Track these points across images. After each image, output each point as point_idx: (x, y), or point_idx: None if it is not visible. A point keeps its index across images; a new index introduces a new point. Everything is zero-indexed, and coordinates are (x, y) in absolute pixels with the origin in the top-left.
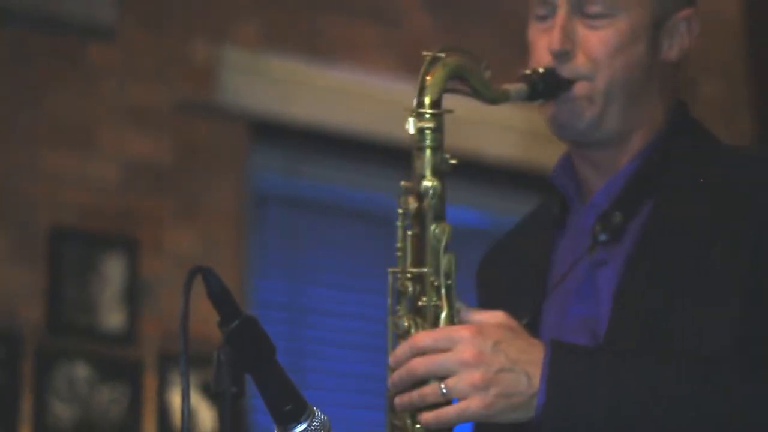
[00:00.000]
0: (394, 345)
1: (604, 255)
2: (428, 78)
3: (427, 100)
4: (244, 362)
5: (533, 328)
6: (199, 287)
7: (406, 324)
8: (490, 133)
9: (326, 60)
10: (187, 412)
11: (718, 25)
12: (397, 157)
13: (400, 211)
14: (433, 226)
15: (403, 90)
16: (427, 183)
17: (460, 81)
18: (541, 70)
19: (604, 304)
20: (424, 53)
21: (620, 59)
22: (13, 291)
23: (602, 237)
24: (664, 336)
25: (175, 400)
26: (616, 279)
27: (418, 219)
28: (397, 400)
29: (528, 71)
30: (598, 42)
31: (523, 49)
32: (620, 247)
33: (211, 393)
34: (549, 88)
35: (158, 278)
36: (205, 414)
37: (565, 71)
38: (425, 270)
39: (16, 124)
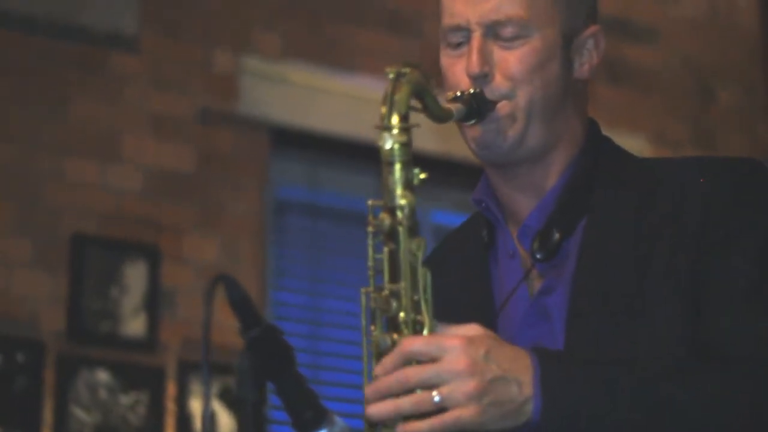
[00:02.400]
0: (370, 364)
1: (549, 282)
2: (395, 93)
3: (395, 115)
4: (265, 370)
5: None
6: (219, 296)
7: (389, 341)
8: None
9: (347, 69)
10: (208, 419)
11: (735, 34)
12: (418, 165)
13: (369, 229)
14: (408, 241)
15: None
16: (399, 199)
17: (416, 98)
18: (470, 91)
19: (557, 326)
20: (387, 69)
21: (538, 76)
22: (35, 298)
23: (538, 255)
24: (622, 355)
25: (195, 407)
26: (567, 304)
27: (392, 235)
28: (381, 406)
29: (458, 92)
30: (515, 61)
31: None
32: (563, 270)
33: (233, 400)
34: (481, 108)
35: (179, 286)
36: (225, 421)
37: (487, 93)
38: (402, 286)
39: (41, 132)
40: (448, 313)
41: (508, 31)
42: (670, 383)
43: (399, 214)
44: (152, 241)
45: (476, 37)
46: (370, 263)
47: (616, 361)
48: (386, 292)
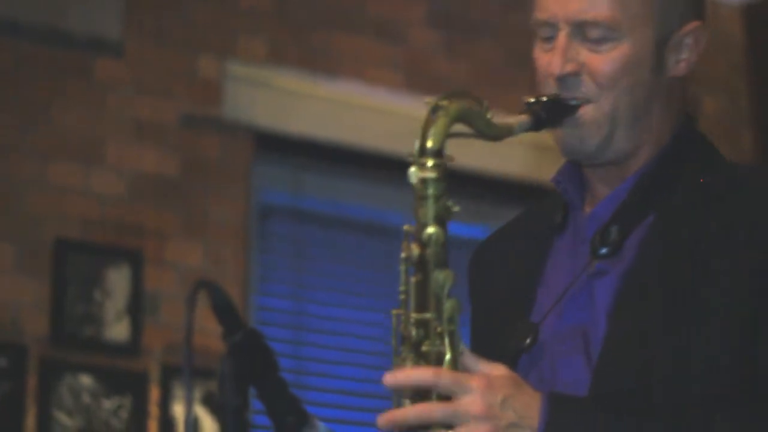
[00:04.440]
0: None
1: (604, 265)
2: (431, 126)
3: (429, 149)
4: (248, 375)
5: (533, 343)
6: (202, 301)
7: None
8: (497, 148)
9: (331, 75)
10: (191, 424)
11: (719, 43)
12: (402, 171)
13: (403, 255)
14: (436, 273)
15: (408, 105)
16: (429, 231)
17: (463, 124)
18: (544, 98)
19: (600, 315)
20: (426, 100)
21: (625, 81)
22: (17, 302)
23: (602, 251)
24: (659, 355)
25: (178, 411)
26: (613, 291)
27: (421, 266)
28: None
29: (531, 99)
30: (602, 64)
31: (527, 66)
32: (620, 260)
33: (215, 405)
34: (553, 116)
35: (162, 291)
36: (208, 426)
37: (569, 95)
38: (428, 316)
39: (23, 137)
40: (499, 289)
41: (595, 33)
42: None
43: (428, 246)
44: (135, 246)
45: (561, 36)
46: (402, 287)
47: (642, 408)
48: (412, 320)
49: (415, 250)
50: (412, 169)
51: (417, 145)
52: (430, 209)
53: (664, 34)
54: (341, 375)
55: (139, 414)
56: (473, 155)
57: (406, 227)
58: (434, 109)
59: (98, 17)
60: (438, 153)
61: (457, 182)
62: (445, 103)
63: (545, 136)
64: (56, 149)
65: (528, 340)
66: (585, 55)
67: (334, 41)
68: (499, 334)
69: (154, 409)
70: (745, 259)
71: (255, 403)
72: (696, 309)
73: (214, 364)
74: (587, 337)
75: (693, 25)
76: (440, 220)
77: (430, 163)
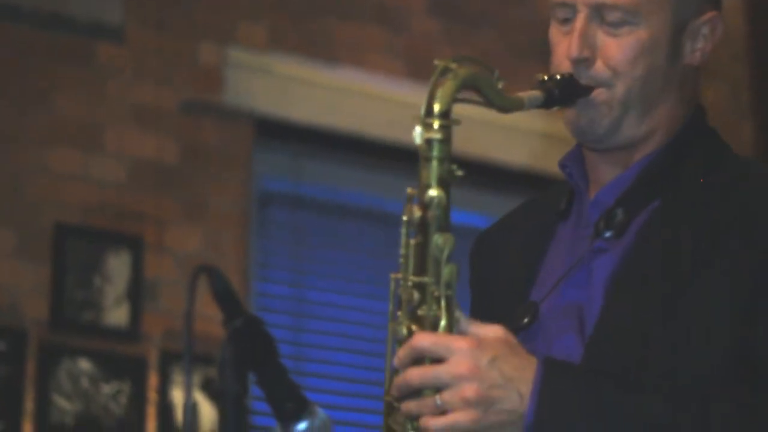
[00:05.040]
0: (393, 350)
1: (603, 244)
2: (438, 88)
3: (436, 110)
4: (247, 361)
5: (532, 323)
6: (202, 287)
7: (404, 332)
8: (503, 138)
9: (332, 62)
10: (190, 409)
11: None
12: (402, 159)
13: (404, 218)
14: (436, 237)
15: (408, 93)
16: (432, 193)
17: (472, 90)
18: (558, 76)
19: (596, 292)
20: (436, 61)
21: (640, 67)
22: (17, 287)
23: (606, 234)
24: (653, 335)
25: (177, 397)
26: (612, 269)
27: (422, 228)
28: (402, 407)
29: (545, 77)
30: (618, 49)
31: (528, 57)
32: (621, 241)
33: (215, 391)
34: (566, 95)
35: (162, 277)
36: (207, 412)
37: (584, 78)
38: (426, 280)
39: (24, 123)
40: (500, 271)
41: (614, 16)
42: (677, 413)
43: (430, 208)
44: (135, 232)
45: (580, 18)
46: (403, 251)
47: (639, 381)
48: (410, 283)
49: (417, 212)
50: (417, 129)
51: (423, 105)
52: (433, 171)
53: (682, 21)
54: (341, 361)
55: (138, 399)
56: (479, 143)
57: (409, 190)
58: (443, 71)
59: (99, 3)
60: (444, 115)
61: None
62: (454, 66)
63: (553, 126)
64: (56, 135)
65: (527, 319)
66: (601, 38)
67: (334, 28)
68: (499, 320)
69: (153, 395)
70: (744, 256)
71: (255, 390)
72: (692, 296)
73: (214, 350)
74: (582, 314)
75: (711, 14)
76: (443, 183)
77: (436, 124)
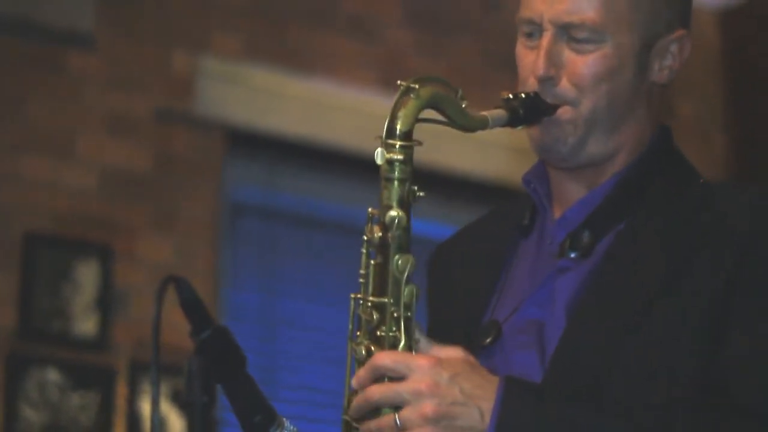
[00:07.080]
0: (352, 370)
1: (567, 263)
2: (401, 108)
3: (397, 131)
4: (215, 372)
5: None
6: (171, 296)
7: (363, 352)
8: (473, 151)
9: (305, 72)
10: (157, 421)
11: (695, 46)
12: (374, 170)
13: (365, 238)
14: (396, 257)
15: (382, 103)
16: (392, 214)
17: (435, 110)
18: (523, 95)
19: (559, 311)
20: (399, 82)
21: (605, 86)
22: None
23: (571, 255)
24: (614, 355)
25: (146, 408)
26: (574, 288)
27: (382, 249)
28: (362, 428)
29: (510, 95)
30: (584, 67)
31: (503, 66)
32: (586, 261)
33: (182, 402)
34: (530, 114)
35: (131, 286)
36: (176, 423)
37: (549, 96)
38: (385, 300)
39: None
40: (458, 285)
41: (580, 34)
42: None
43: (390, 229)
44: (105, 240)
45: (547, 36)
46: (363, 270)
47: (600, 401)
48: (369, 303)
49: (377, 232)
50: (379, 150)
51: (385, 125)
52: (394, 192)
53: (651, 39)
54: (311, 371)
55: (106, 409)
56: (448, 154)
57: (370, 210)
58: (406, 91)
59: (71, 10)
60: (406, 135)
61: (431, 181)
62: (417, 86)
63: (523, 139)
64: (27, 142)
65: (489, 339)
66: (567, 55)
67: (309, 39)
68: (455, 333)
69: (121, 405)
70: (708, 278)
71: (223, 400)
72: (656, 317)
73: (184, 361)
74: (542, 332)
75: (679, 32)
76: (404, 204)
77: (397, 144)
